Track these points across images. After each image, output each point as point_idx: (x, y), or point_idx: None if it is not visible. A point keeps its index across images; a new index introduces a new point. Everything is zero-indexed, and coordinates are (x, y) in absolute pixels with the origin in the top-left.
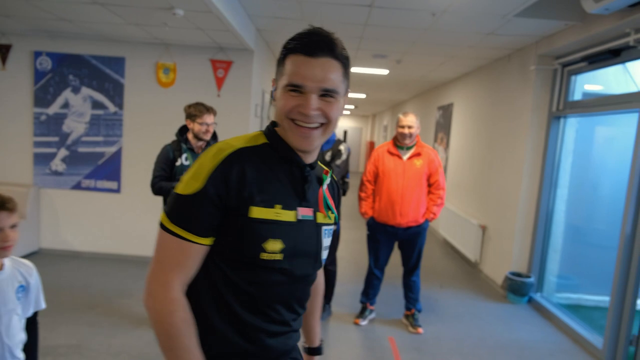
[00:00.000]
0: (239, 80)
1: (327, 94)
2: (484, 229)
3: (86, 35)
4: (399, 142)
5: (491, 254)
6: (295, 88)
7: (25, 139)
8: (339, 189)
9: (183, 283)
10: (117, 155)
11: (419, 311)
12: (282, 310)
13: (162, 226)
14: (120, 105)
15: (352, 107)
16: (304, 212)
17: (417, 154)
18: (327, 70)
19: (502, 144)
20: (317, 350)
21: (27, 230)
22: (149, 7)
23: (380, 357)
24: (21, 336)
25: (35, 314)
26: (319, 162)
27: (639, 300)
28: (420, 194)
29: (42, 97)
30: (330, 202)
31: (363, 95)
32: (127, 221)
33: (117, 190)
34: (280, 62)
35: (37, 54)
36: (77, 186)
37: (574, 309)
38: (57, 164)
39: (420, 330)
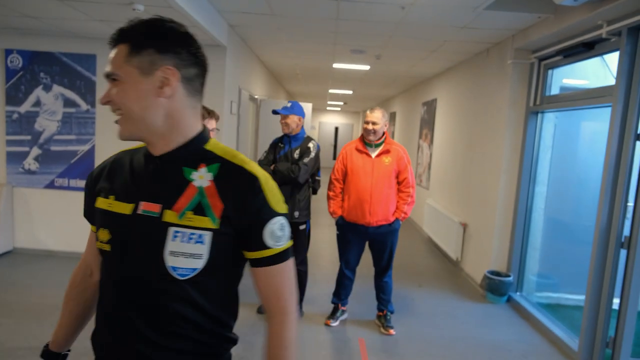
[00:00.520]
0: (212, 77)
1: (109, 79)
2: (464, 226)
3: (56, 32)
4: (366, 139)
5: (471, 252)
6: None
7: None
8: (252, 189)
9: (84, 264)
10: (90, 154)
11: (391, 312)
12: (134, 317)
13: None
14: (92, 103)
15: (341, 103)
16: (147, 207)
17: (386, 151)
18: (111, 57)
19: (482, 139)
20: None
21: (1, 230)
22: (108, 3)
23: (348, 359)
24: None
25: None
26: (233, 160)
27: (615, 299)
28: (389, 192)
29: (14, 96)
30: (213, 202)
31: (350, 92)
32: None
33: None
34: None
35: (8, 52)
36: (51, 185)
37: (554, 308)
38: (30, 163)
39: (392, 331)
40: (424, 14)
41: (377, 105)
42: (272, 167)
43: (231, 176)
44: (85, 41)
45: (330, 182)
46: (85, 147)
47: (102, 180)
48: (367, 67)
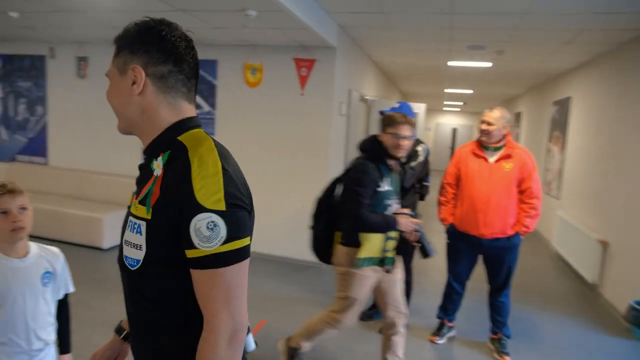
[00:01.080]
0: (322, 78)
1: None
2: (605, 244)
3: None
4: (484, 142)
5: (613, 275)
6: None
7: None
8: (183, 176)
9: None
10: None
11: (508, 337)
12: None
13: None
14: (213, 105)
15: (459, 103)
16: (132, 200)
17: (507, 156)
18: None
19: (631, 145)
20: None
21: None
22: (224, 10)
23: None
24: (48, 320)
25: (66, 297)
26: (186, 145)
27: None
28: (508, 202)
29: None
30: (155, 190)
31: (470, 91)
32: None
33: None
34: None
35: None
36: None
37: None
38: None
39: (507, 358)
40: (554, 0)
41: (500, 104)
42: None
43: (174, 161)
44: (207, 48)
45: (442, 187)
46: None
47: None
48: (488, 65)
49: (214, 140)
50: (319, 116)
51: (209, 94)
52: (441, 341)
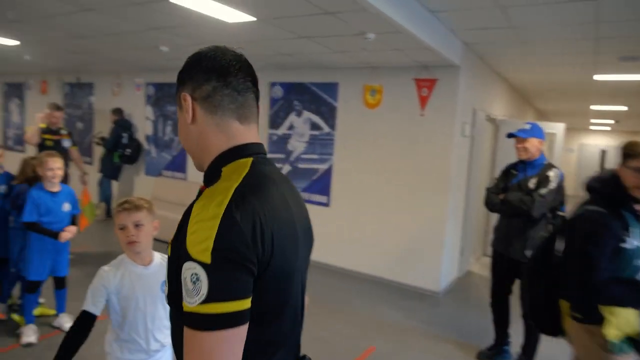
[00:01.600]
0: (444, 98)
1: None
2: None
3: (306, 65)
4: None
5: None
6: None
7: None
8: (186, 217)
9: None
10: (328, 172)
11: None
12: None
13: None
14: (332, 126)
15: (610, 121)
16: None
17: None
18: None
19: None
20: None
21: None
22: (344, 35)
23: None
24: (165, 323)
25: None
26: (212, 182)
27: None
28: None
29: (274, 121)
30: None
31: (624, 108)
32: (334, 233)
33: (327, 204)
34: None
35: (272, 84)
36: None
37: None
38: None
39: None
40: None
41: None
42: (501, 197)
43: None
44: (328, 71)
45: None
46: (324, 166)
47: None
48: None
49: (256, 174)
50: (440, 137)
51: (329, 116)
52: None
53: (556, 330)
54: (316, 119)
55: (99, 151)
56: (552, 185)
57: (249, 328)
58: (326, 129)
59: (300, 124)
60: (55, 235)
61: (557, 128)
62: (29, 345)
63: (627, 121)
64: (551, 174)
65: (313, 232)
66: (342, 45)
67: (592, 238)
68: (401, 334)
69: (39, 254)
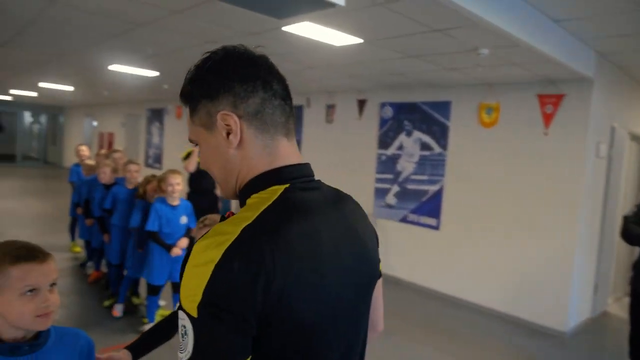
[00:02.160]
0: (573, 115)
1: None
2: None
3: (417, 84)
4: None
5: None
6: None
7: (370, 176)
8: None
9: None
10: (438, 194)
11: None
12: None
13: None
14: (444, 146)
15: None
16: None
17: None
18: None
19: None
20: None
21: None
22: (455, 52)
23: None
24: None
25: None
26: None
27: None
28: None
29: (384, 141)
30: None
31: None
32: (443, 258)
33: (436, 227)
34: None
35: (382, 105)
36: (404, 219)
37: None
38: (390, 199)
39: None
40: None
41: None
42: None
43: None
44: (440, 89)
45: None
46: (435, 187)
47: None
48: None
49: (283, 205)
50: (568, 158)
51: (441, 136)
52: None
53: None
54: (427, 138)
55: None
56: None
57: None
58: (437, 149)
59: (410, 144)
60: (168, 248)
61: None
62: None
63: None
64: None
65: (377, 266)
66: (454, 63)
67: None
68: None
69: (160, 260)
